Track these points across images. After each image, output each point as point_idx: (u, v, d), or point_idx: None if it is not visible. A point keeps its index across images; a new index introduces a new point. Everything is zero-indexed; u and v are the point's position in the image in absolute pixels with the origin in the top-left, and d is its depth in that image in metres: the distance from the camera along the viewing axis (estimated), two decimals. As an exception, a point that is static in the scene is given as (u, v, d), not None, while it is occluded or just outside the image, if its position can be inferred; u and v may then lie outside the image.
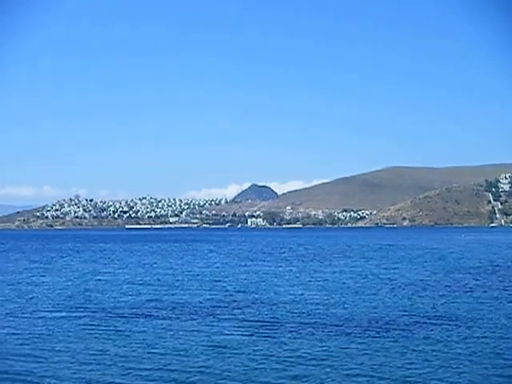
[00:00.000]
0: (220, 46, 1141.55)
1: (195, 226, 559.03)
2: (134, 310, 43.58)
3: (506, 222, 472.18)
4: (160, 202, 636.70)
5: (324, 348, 30.20)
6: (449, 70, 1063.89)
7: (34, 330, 36.11)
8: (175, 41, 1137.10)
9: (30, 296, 52.82)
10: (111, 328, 36.37)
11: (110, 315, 41.19)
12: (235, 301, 47.77)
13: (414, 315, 39.69)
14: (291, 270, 77.88)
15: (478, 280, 63.20)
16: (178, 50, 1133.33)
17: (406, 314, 40.39)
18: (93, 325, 37.60)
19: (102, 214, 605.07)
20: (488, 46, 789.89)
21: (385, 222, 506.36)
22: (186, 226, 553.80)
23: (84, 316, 40.97)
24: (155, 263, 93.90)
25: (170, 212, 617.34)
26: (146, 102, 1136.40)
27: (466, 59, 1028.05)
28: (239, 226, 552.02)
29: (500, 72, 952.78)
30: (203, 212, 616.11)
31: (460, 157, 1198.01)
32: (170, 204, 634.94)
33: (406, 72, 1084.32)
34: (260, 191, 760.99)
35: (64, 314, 42.16)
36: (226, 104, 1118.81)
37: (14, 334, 34.98)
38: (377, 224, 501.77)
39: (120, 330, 35.59)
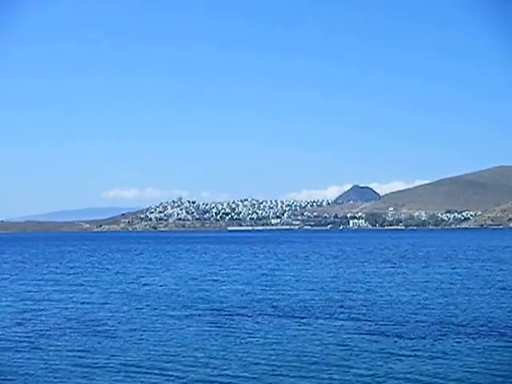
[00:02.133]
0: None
1: (297, 227, 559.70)
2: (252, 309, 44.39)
3: None
4: (261, 203, 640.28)
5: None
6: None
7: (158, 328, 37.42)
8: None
9: (157, 296, 54.62)
10: (229, 326, 37.29)
11: (227, 313, 42.18)
12: (350, 301, 47.99)
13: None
14: (396, 273, 77.30)
15: None
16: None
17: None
18: (210, 323, 38.72)
19: (205, 216, 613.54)
20: None
21: (490, 223, 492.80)
22: (288, 227, 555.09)
23: (200, 314, 42.15)
24: (264, 264, 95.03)
25: (271, 214, 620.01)
26: (244, 104, 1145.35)
27: None
28: (341, 227, 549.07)
29: None
30: (305, 213, 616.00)
31: None
32: (271, 206, 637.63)
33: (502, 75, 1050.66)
34: (361, 192, 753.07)
35: (188, 312, 43.59)
36: (324, 105, 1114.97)
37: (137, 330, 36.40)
38: (481, 225, 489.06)
39: (236, 328, 36.42)
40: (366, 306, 46.11)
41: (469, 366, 27.36)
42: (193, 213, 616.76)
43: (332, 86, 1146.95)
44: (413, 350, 30.43)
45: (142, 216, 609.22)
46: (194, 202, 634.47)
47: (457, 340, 32.71)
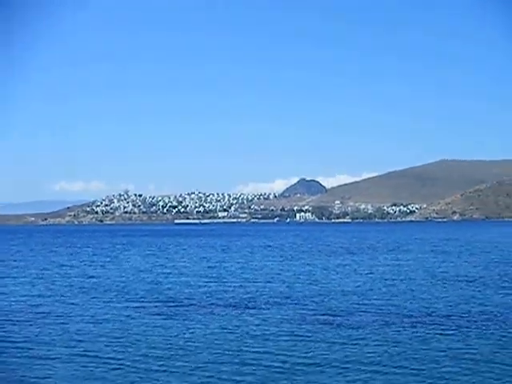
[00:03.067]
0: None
1: (244, 220, 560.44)
2: (200, 301, 44.04)
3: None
4: (208, 196, 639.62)
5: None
6: (494, 59, 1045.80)
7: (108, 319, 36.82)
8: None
9: (103, 288, 53.81)
10: (174, 316, 36.88)
11: (170, 305, 41.76)
12: (297, 293, 47.95)
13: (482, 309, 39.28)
14: (345, 264, 77.77)
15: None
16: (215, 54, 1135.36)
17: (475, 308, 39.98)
18: (161, 314, 38.23)
19: (151, 209, 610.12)
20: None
21: (435, 216, 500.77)
22: (235, 220, 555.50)
23: (146, 305, 41.62)
24: (212, 257, 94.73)
25: (218, 207, 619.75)
26: (190, 101, 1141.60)
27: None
28: (288, 220, 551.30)
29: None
30: (252, 207, 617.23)
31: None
32: (218, 199, 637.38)
33: (457, 62, 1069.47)
34: (308, 185, 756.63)
35: (136, 304, 43.02)
36: (270, 101, 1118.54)
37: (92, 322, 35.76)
38: (427, 218, 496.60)
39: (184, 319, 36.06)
40: (312, 296, 46.19)
41: (409, 353, 27.63)
42: (139, 206, 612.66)
43: (278, 82, 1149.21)
44: (357, 339, 30.69)
45: (88, 209, 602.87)
46: (140, 195, 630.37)
47: (399, 328, 33.02)
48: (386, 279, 58.60)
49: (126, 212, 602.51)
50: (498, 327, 33.20)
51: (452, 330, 32.69)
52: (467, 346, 28.81)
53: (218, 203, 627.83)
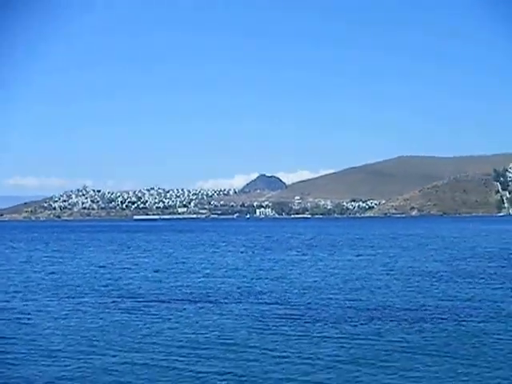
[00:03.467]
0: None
1: (204, 216, 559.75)
2: (158, 296, 43.96)
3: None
4: (168, 192, 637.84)
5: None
6: (457, 64, 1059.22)
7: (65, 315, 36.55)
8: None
9: (58, 283, 53.37)
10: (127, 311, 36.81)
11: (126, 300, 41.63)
12: (256, 288, 48.14)
13: (438, 302, 39.88)
14: (304, 260, 78.21)
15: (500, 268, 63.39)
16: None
17: (435, 300, 40.59)
18: (117, 309, 38.07)
19: (110, 205, 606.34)
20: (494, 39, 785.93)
21: (393, 211, 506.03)
22: (195, 216, 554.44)
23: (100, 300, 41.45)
24: (172, 253, 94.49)
25: (178, 202, 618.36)
26: (155, 101, 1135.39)
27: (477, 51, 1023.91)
28: (248, 216, 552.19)
29: (504, 67, 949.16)
30: (212, 202, 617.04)
31: (469, 146, 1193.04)
32: (178, 195, 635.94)
33: (411, 65, 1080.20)
34: (268, 181, 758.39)
35: (92, 299, 42.71)
36: (231, 93, 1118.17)
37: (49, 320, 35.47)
38: (385, 214, 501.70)
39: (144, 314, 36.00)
40: (271, 291, 46.44)
41: (365, 346, 27.97)
42: (98, 201, 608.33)
43: (239, 77, 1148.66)
44: (314, 332, 31.03)
45: (46, 205, 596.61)
46: (99, 191, 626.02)
47: (356, 322, 33.41)
48: (345, 274, 59.12)
49: (84, 208, 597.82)
50: (453, 320, 33.78)
51: (408, 323, 33.19)
52: (422, 339, 29.30)
53: (178, 199, 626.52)
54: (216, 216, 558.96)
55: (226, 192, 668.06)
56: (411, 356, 26.32)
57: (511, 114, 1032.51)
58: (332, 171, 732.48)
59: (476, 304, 39.33)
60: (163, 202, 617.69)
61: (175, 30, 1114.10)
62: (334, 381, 23.22)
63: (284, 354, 27.05)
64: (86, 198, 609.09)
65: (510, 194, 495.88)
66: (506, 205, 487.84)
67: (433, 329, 31.64)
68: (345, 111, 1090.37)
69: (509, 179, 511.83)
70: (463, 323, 33.00)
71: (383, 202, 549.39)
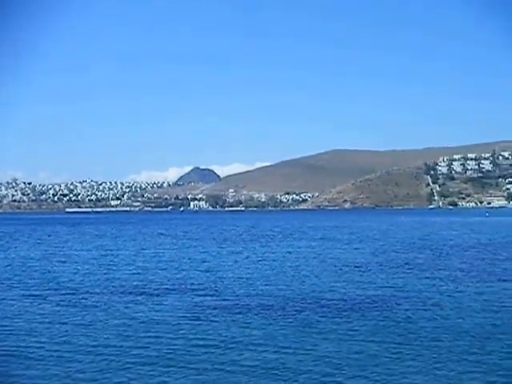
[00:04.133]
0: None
1: (137, 209, 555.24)
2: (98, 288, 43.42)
3: (443, 203, 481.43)
4: (101, 184, 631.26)
5: (271, 330, 30.53)
6: (394, 56, 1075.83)
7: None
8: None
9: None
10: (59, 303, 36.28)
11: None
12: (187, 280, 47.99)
13: (369, 294, 40.42)
14: (237, 251, 78.35)
15: (429, 259, 64.63)
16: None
17: (367, 292, 41.10)
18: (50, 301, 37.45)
19: (41, 198, 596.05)
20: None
21: (326, 204, 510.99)
22: (128, 209, 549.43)
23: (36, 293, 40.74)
24: (105, 245, 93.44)
25: (111, 195, 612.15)
26: (89, 84, 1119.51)
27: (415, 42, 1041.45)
28: (182, 208, 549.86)
29: (441, 57, 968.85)
30: (145, 195, 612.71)
31: (401, 140, 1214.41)
32: (111, 187, 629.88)
33: (353, 58, 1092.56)
34: (202, 174, 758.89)
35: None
36: (166, 84, 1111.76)
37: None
38: (319, 206, 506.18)
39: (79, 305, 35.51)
40: (204, 283, 46.47)
41: (292, 336, 28.19)
42: (29, 194, 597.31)
43: (172, 71, 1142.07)
44: (243, 323, 31.21)
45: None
46: (29, 183, 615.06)
47: (286, 312, 33.64)
48: (277, 266, 59.49)
49: (14, 200, 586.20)
50: (381, 309, 34.34)
51: (337, 312, 33.62)
52: (350, 327, 29.72)
53: (111, 191, 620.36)
54: (150, 209, 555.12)
55: (159, 185, 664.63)
56: (339, 343, 26.65)
57: (440, 110, 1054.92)
58: (266, 164, 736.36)
59: (404, 293, 40.05)
60: (96, 195, 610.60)
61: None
62: (260, 366, 23.42)
63: (212, 342, 27.18)
64: (16, 191, 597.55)
65: (439, 187, 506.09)
66: (436, 197, 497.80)
67: (360, 317, 32.09)
68: (279, 104, 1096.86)
69: (439, 173, 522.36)
70: (391, 312, 33.57)
71: (316, 194, 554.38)
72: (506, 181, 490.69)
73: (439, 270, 54.25)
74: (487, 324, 30.06)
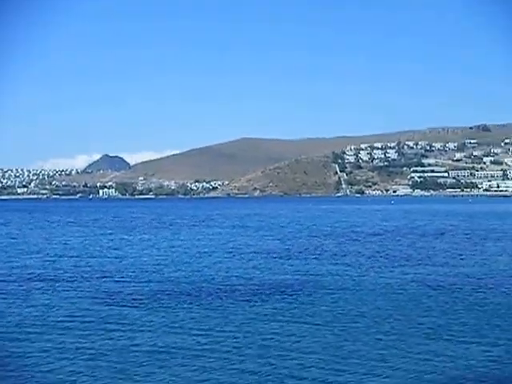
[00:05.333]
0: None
1: (45, 197, 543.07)
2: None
3: (350, 191, 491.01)
4: (6, 172, 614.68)
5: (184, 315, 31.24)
6: (296, 49, 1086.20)
7: None
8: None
9: None
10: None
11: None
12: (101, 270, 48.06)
13: (281, 279, 41.58)
14: (146, 239, 78.49)
15: (339, 246, 66.48)
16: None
17: (276, 278, 42.21)
18: None
19: None
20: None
21: (236, 192, 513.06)
22: (35, 197, 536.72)
23: None
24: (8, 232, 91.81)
25: (17, 183, 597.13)
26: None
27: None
28: (91, 196, 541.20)
29: (355, 51, 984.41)
30: (53, 183, 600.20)
31: (309, 129, 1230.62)
32: (17, 174, 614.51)
33: (260, 47, 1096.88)
34: (111, 161, 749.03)
35: None
36: (72, 70, 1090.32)
37: None
38: (228, 194, 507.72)
39: None
40: (109, 271, 46.53)
41: (189, 323, 28.65)
42: None
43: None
44: (148, 308, 31.65)
45: None
46: None
47: (188, 298, 34.30)
48: (186, 253, 60.07)
49: None
50: (285, 294, 35.50)
51: (243, 297, 34.54)
52: (253, 311, 30.70)
53: (17, 179, 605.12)
54: (58, 196, 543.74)
55: (68, 172, 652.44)
56: (242, 325, 27.57)
57: (348, 100, 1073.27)
58: (176, 152, 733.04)
59: (308, 278, 41.43)
60: (1, 182, 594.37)
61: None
62: (164, 348, 24.10)
63: (115, 327, 27.70)
64: None
65: (347, 175, 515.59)
66: (343, 186, 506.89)
67: (264, 301, 33.18)
68: (188, 92, 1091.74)
69: (346, 161, 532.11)
70: (294, 295, 34.82)
71: (226, 182, 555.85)
72: (411, 169, 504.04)
73: (344, 255, 56.17)
74: (386, 307, 31.64)
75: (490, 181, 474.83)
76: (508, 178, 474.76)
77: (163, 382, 20.36)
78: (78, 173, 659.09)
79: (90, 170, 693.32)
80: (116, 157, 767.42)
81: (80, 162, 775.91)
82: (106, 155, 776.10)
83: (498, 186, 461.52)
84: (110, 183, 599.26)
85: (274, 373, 21.08)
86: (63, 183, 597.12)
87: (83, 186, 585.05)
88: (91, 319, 29.50)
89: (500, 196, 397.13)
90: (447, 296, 34.22)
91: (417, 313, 29.89)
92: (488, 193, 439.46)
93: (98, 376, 20.93)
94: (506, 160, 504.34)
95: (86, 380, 20.61)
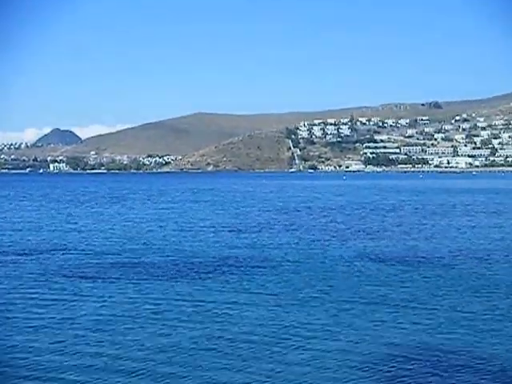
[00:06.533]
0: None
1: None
2: None
3: (304, 167, 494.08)
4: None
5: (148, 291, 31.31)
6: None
7: None
8: None
9: None
10: None
11: None
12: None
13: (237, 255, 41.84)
14: (98, 213, 78.11)
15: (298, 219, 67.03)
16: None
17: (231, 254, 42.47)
18: None
19: None
20: None
21: (190, 167, 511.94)
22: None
23: None
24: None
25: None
26: None
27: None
28: (41, 171, 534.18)
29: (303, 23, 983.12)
30: (1, 156, 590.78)
31: (263, 105, 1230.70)
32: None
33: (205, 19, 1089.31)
34: (62, 135, 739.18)
35: None
36: (24, 43, 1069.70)
37: None
38: (182, 169, 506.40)
39: None
40: (70, 244, 46.41)
41: (140, 301, 28.56)
42: None
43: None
44: (93, 278, 31.67)
45: None
46: None
47: (140, 269, 34.42)
48: (139, 227, 59.98)
49: None
50: (235, 266, 35.80)
51: (192, 271, 34.72)
52: (203, 284, 30.95)
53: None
54: (6, 171, 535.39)
55: (16, 146, 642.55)
56: (193, 298, 27.78)
57: (302, 75, 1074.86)
58: (129, 126, 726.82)
59: (258, 251, 41.81)
60: None
61: None
62: (104, 319, 24.14)
63: (68, 297, 27.69)
64: None
65: (300, 151, 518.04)
66: (296, 161, 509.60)
67: (216, 276, 33.41)
68: (139, 67, 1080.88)
69: (299, 137, 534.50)
70: (246, 269, 35.13)
71: (180, 157, 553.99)
72: (363, 145, 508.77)
73: (296, 230, 56.69)
74: (333, 278, 32.13)
75: (440, 157, 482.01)
76: (458, 155, 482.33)
77: (110, 350, 20.40)
78: (27, 146, 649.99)
79: (40, 144, 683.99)
80: (67, 131, 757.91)
81: (29, 135, 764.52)
82: (57, 129, 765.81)
83: (449, 163, 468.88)
84: (60, 157, 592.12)
85: (220, 339, 21.34)
86: (12, 157, 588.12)
87: (33, 161, 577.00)
88: (37, 290, 29.43)
89: (450, 172, 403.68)
90: (394, 268, 34.86)
91: (363, 284, 30.44)
92: (438, 169, 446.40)
93: (42, 347, 20.85)
94: (456, 137, 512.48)
95: (24, 349, 20.56)
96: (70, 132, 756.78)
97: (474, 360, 19.02)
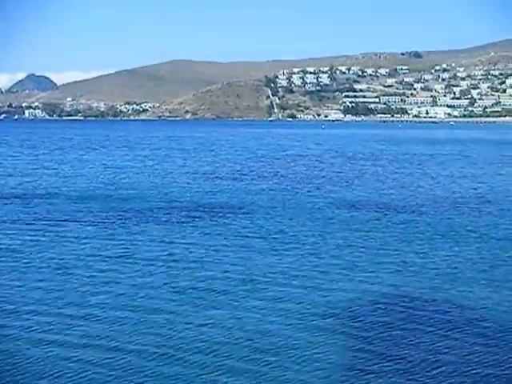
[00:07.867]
0: None
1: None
2: None
3: (282, 116, 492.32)
4: None
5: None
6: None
7: None
8: None
9: None
10: None
11: None
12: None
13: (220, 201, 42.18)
14: (80, 159, 77.94)
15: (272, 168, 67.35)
16: None
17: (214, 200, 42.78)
18: None
19: None
20: None
21: (168, 115, 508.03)
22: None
23: None
24: None
25: None
26: None
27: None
28: (16, 117, 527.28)
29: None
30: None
31: (243, 53, 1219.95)
32: None
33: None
34: (37, 81, 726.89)
35: None
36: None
37: None
38: (160, 117, 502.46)
39: None
40: (54, 189, 46.43)
41: (124, 247, 28.70)
42: None
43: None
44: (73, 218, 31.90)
45: None
46: None
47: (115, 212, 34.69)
48: (118, 174, 60.06)
49: None
50: (212, 213, 36.21)
51: (171, 216, 35.08)
52: (178, 232, 31.28)
53: None
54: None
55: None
56: (173, 243, 28.12)
57: (281, 23, 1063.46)
58: (105, 73, 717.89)
59: (236, 199, 42.27)
60: None
61: None
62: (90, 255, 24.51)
63: (52, 239, 27.87)
64: None
65: (279, 99, 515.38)
66: (275, 110, 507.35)
67: (194, 222, 33.80)
68: (117, 14, 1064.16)
69: (279, 85, 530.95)
70: (224, 215, 35.54)
71: (157, 105, 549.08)
72: (343, 94, 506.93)
73: (273, 177, 57.14)
74: (307, 224, 32.67)
75: (419, 107, 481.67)
76: (437, 105, 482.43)
77: (84, 288, 20.73)
78: (1, 92, 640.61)
79: (14, 90, 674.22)
80: (42, 76, 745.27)
81: (4, 80, 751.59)
82: (32, 74, 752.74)
83: (428, 113, 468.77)
84: (36, 104, 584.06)
85: (200, 281, 21.76)
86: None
87: (8, 107, 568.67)
88: (19, 234, 29.63)
89: (429, 122, 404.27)
90: (368, 215, 35.42)
91: (335, 230, 30.99)
92: (417, 119, 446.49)
93: (22, 285, 21.18)
94: (435, 87, 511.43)
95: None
96: (46, 78, 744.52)
97: (442, 305, 19.42)
